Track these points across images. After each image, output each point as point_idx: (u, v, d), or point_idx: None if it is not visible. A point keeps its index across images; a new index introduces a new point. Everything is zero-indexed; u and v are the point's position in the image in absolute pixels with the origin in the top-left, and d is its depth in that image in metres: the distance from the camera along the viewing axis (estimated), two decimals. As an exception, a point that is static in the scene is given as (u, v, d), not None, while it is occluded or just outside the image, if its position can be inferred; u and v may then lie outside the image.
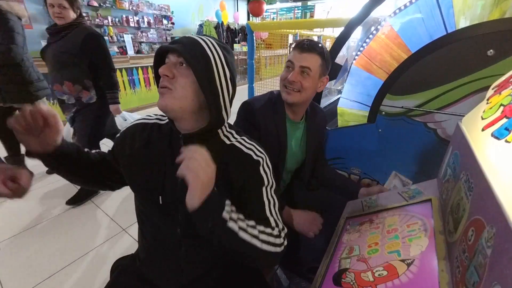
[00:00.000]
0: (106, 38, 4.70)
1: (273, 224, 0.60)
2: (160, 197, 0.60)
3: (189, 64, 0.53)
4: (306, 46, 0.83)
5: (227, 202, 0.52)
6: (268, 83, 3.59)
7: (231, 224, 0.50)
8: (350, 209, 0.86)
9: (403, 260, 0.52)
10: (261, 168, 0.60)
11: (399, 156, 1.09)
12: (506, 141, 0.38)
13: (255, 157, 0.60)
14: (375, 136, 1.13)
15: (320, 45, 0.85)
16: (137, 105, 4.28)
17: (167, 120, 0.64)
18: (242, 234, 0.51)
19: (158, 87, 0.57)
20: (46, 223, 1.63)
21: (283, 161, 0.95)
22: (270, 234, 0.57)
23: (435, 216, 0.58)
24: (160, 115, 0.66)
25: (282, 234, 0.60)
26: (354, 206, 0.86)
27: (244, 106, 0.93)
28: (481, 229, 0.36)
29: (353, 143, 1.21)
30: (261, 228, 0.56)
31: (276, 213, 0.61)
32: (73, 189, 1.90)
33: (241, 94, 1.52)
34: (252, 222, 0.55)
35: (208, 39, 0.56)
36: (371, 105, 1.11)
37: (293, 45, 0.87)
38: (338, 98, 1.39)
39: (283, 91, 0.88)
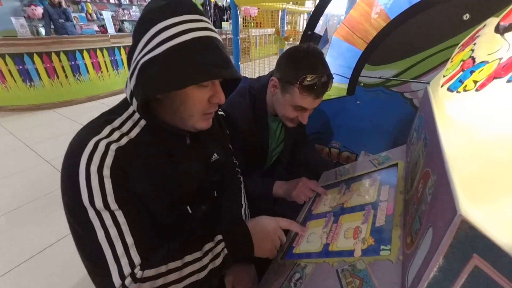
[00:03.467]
0: (83, 15, 4.43)
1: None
2: (188, 207, 0.55)
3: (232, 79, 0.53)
4: (323, 89, 0.70)
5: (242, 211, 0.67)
6: (257, 64, 3.48)
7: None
8: (325, 179, 0.87)
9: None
10: None
11: (377, 127, 1.10)
12: (458, 91, 0.37)
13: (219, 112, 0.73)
14: (354, 109, 1.12)
15: (327, 65, 0.71)
16: (121, 87, 4.13)
17: (140, 127, 0.48)
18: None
19: (199, 112, 0.48)
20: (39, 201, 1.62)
21: (265, 156, 0.93)
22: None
23: (398, 178, 0.59)
24: (115, 130, 0.45)
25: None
26: (328, 175, 0.87)
27: (225, 119, 0.77)
28: (427, 180, 0.36)
29: (332, 117, 1.21)
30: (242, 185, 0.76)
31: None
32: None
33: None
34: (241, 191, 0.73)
35: (211, 24, 0.46)
36: (350, 77, 1.09)
37: (299, 82, 0.67)
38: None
39: (288, 123, 0.81)
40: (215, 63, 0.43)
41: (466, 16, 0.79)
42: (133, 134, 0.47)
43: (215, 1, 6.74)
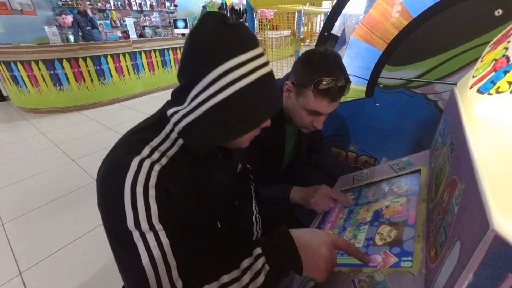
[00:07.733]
0: (108, 22, 4.67)
1: None
2: (218, 222, 0.54)
3: None
4: (340, 93, 0.67)
5: None
6: (273, 67, 3.45)
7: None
8: (341, 183, 0.84)
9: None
10: None
11: (398, 131, 1.05)
12: (489, 93, 0.34)
13: None
14: (373, 111, 1.08)
15: (345, 69, 0.68)
16: (141, 90, 4.30)
17: (178, 146, 0.48)
18: None
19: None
20: (64, 198, 1.72)
21: (281, 159, 0.92)
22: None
23: (421, 185, 0.56)
24: (154, 150, 0.45)
25: None
26: (345, 180, 0.84)
27: None
28: (454, 189, 0.33)
29: (350, 120, 1.17)
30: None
31: None
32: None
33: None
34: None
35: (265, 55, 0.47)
36: (369, 78, 1.05)
37: (313, 85, 0.65)
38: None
39: (303, 129, 0.80)
40: (270, 106, 0.46)
41: (499, 12, 0.73)
42: (171, 153, 0.46)
43: (232, 5, 6.84)
